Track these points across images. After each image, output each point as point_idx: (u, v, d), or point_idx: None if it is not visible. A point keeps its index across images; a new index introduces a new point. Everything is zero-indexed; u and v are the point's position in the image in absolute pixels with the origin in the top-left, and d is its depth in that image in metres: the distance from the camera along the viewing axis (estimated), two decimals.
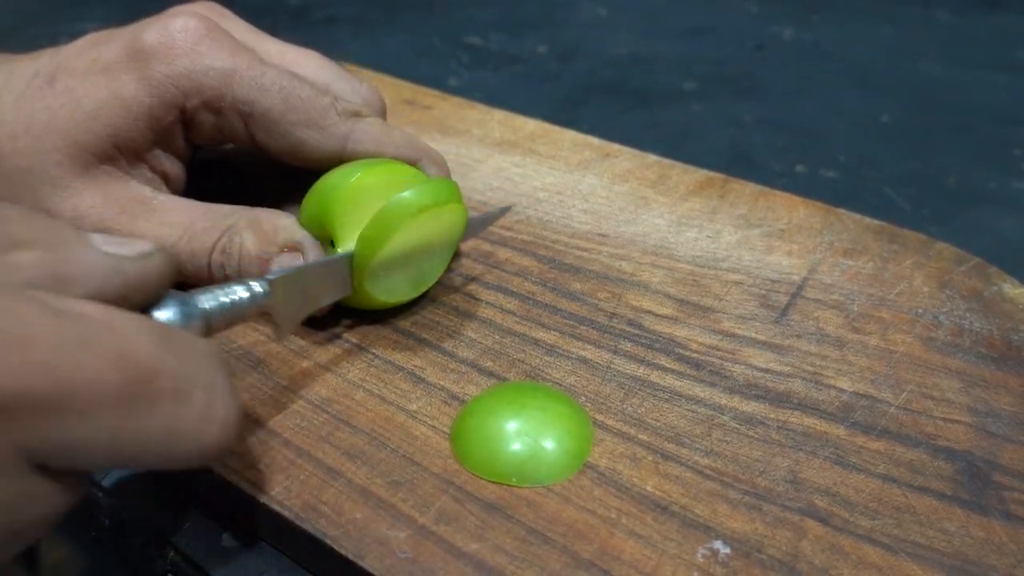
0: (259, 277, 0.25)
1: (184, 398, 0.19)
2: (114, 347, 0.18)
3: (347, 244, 0.29)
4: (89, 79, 0.29)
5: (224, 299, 0.23)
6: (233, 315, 0.24)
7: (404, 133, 0.33)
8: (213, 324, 0.23)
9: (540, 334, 0.31)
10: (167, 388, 0.18)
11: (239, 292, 0.24)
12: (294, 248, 0.29)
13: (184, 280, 0.30)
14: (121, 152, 0.30)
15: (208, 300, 0.23)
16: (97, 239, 0.20)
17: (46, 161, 0.28)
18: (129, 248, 0.21)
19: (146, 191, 0.31)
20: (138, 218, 0.30)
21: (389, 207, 0.27)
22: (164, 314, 0.22)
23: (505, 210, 0.37)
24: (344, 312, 0.32)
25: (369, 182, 0.30)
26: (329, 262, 0.28)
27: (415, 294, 0.31)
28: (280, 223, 0.29)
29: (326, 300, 0.29)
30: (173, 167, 0.32)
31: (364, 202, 0.29)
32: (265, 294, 0.25)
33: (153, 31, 0.30)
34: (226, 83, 0.30)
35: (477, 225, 0.35)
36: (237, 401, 0.20)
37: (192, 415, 0.19)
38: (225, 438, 0.20)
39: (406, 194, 0.27)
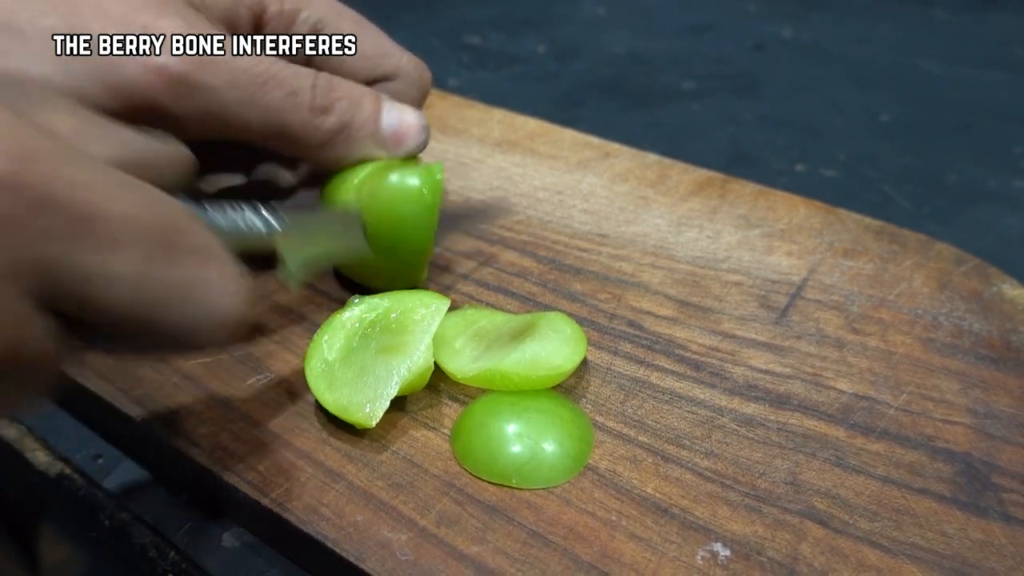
0: (272, 211, 0.25)
1: (206, 262, 0.20)
2: (150, 196, 0.19)
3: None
4: None
5: (233, 215, 0.24)
6: (237, 236, 0.24)
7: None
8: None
9: None
10: (192, 246, 0.19)
11: (248, 215, 0.24)
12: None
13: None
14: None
15: (217, 214, 0.23)
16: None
17: None
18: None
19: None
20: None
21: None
22: None
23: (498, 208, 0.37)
24: None
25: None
26: (344, 217, 0.29)
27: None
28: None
29: (339, 256, 0.30)
30: None
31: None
32: (275, 224, 0.25)
33: None
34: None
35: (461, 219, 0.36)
36: (249, 287, 0.21)
37: (213, 278, 0.20)
38: (241, 309, 0.21)
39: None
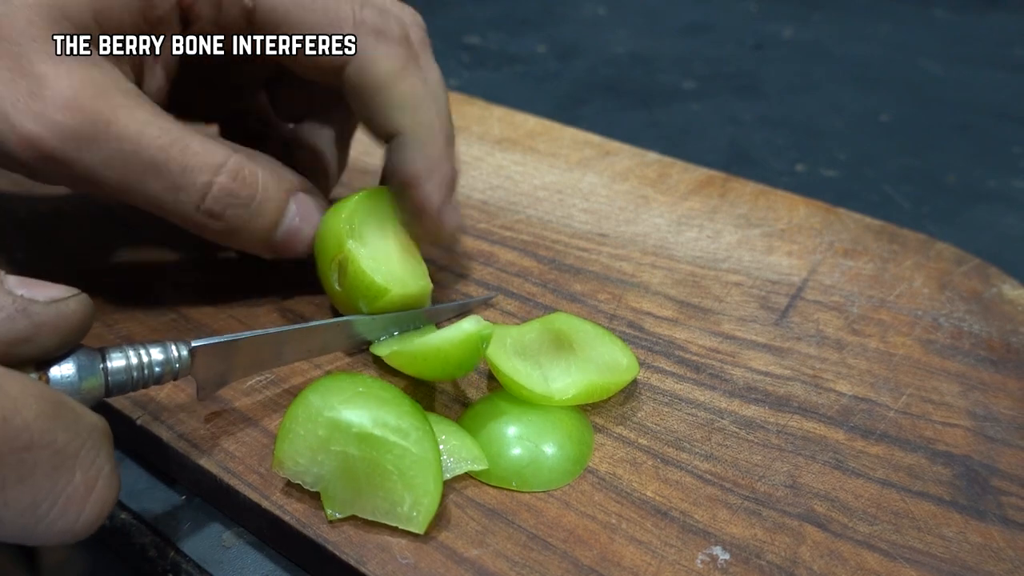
0: (181, 341, 0.24)
1: (63, 474, 0.18)
2: None
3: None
4: None
5: (134, 359, 0.22)
6: (144, 378, 0.23)
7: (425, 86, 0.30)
8: (116, 384, 0.22)
9: None
10: (45, 460, 0.18)
11: (154, 354, 0.23)
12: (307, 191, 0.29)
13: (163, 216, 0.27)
14: (102, 28, 0.26)
15: (116, 358, 0.22)
16: (11, 280, 0.19)
17: (18, 15, 0.25)
18: (43, 292, 0.19)
19: (123, 80, 0.26)
20: (118, 106, 0.25)
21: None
22: (62, 368, 0.21)
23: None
24: None
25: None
26: (264, 338, 0.26)
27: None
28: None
29: (256, 370, 0.27)
30: (155, 78, 0.28)
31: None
32: (184, 360, 0.23)
33: None
34: None
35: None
36: (116, 485, 0.20)
37: (68, 493, 0.18)
38: (96, 521, 0.19)
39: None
